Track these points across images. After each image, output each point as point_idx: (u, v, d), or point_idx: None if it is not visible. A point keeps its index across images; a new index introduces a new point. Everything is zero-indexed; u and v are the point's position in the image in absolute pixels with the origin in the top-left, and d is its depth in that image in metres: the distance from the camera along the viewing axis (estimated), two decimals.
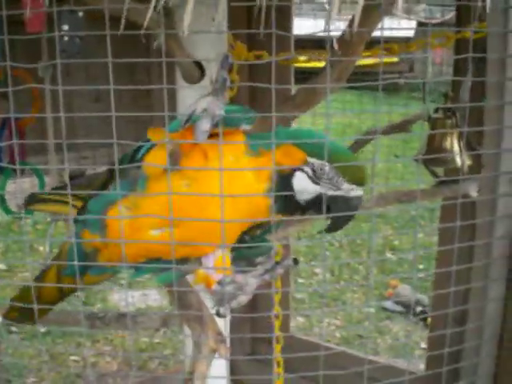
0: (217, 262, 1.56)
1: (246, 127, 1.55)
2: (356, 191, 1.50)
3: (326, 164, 1.49)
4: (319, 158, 1.49)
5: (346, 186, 1.49)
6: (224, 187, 1.43)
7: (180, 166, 1.49)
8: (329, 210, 1.50)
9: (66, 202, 1.68)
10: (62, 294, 1.85)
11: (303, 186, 1.51)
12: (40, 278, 1.87)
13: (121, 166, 1.50)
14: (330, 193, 1.50)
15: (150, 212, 1.48)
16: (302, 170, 1.51)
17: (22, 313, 1.88)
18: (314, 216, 1.60)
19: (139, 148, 1.57)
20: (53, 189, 1.99)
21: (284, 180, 1.51)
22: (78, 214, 1.68)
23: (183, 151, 1.50)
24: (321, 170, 1.49)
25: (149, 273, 1.65)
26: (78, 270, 1.61)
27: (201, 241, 1.49)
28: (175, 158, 1.49)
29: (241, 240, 1.60)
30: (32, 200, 1.83)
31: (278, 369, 3.08)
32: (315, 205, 1.50)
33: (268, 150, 1.51)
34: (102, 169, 1.76)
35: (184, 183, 1.49)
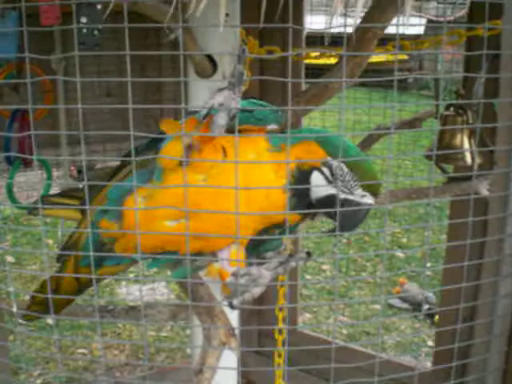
0: (231, 255, 1.57)
1: (274, 126, 1.56)
2: (368, 199, 1.51)
3: (344, 166, 1.50)
4: (339, 161, 1.50)
5: (359, 191, 1.50)
6: (242, 184, 1.44)
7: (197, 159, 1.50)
8: (336, 213, 1.50)
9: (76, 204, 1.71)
10: (81, 286, 1.85)
11: (319, 185, 1.52)
12: (59, 270, 1.88)
13: (138, 158, 1.52)
14: (343, 196, 1.51)
15: (166, 203, 1.49)
16: (320, 169, 1.52)
17: (43, 306, 1.88)
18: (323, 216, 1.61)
19: (156, 139, 1.58)
20: (63, 192, 2.00)
21: (302, 177, 1.53)
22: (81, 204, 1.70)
23: (201, 146, 1.50)
24: (339, 171, 1.51)
25: (164, 263, 1.66)
26: (95, 261, 1.61)
27: (216, 231, 1.49)
28: (191, 152, 1.50)
29: (257, 240, 1.61)
30: (42, 203, 1.83)
31: (279, 359, 3.09)
32: (326, 205, 1.51)
33: (290, 146, 1.53)
34: (111, 164, 1.78)
35: (201, 178, 1.50)
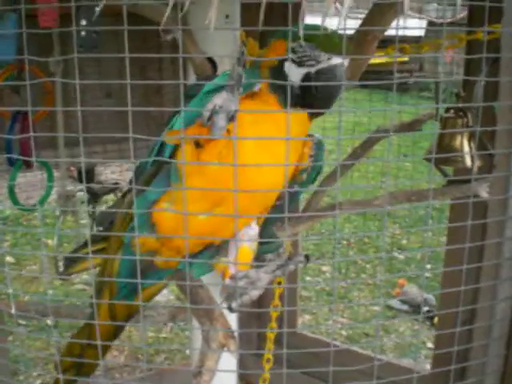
0: (240, 254, 1.58)
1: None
2: (335, 59, 1.51)
3: (302, 42, 1.50)
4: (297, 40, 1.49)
5: (324, 56, 1.51)
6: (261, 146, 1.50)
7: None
8: (317, 89, 1.52)
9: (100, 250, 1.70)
10: (117, 328, 1.84)
11: (292, 71, 1.53)
12: (89, 319, 1.87)
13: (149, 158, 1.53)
14: (314, 69, 1.52)
15: (192, 200, 1.49)
16: (285, 59, 1.51)
17: (76, 367, 1.89)
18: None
19: (161, 146, 1.58)
20: (85, 243, 1.95)
21: (277, 71, 1.54)
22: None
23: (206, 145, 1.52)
24: (299, 47, 1.51)
25: (206, 265, 1.67)
26: (135, 286, 1.59)
27: (245, 211, 1.52)
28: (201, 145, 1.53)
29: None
30: (71, 263, 1.83)
31: (268, 355, 3.07)
32: (308, 88, 1.52)
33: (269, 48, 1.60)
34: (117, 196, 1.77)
35: (215, 161, 1.52)
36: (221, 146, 1.51)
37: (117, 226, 1.71)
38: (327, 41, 1.50)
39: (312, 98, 1.54)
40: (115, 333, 1.86)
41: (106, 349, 1.91)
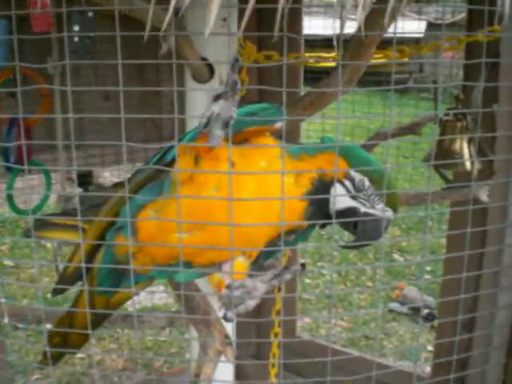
0: (235, 266, 1.56)
1: (280, 124, 1.54)
2: (388, 214, 1.50)
3: (366, 180, 1.50)
4: (362, 174, 1.50)
5: (380, 206, 1.49)
6: (260, 191, 1.46)
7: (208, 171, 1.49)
8: (355, 227, 1.51)
9: (75, 227, 1.66)
10: (99, 317, 1.85)
11: (340, 198, 1.51)
12: (73, 306, 1.88)
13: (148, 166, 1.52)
14: (364, 209, 1.50)
15: (175, 215, 1.47)
16: (342, 182, 1.51)
17: (63, 342, 1.91)
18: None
19: (165, 152, 1.57)
20: (62, 213, 1.97)
21: (322, 187, 1.51)
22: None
23: (206, 156, 1.50)
24: (361, 185, 1.50)
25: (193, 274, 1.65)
26: (113, 284, 1.65)
27: (229, 245, 1.47)
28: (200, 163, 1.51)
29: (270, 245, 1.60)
30: (40, 226, 1.81)
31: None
32: (345, 217, 1.49)
33: (311, 155, 1.53)
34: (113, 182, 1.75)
35: (211, 188, 1.49)
36: (217, 178, 1.49)
37: (101, 216, 1.69)
38: (391, 195, 1.49)
39: (342, 226, 1.55)
40: (97, 319, 1.86)
41: (86, 337, 1.94)
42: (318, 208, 1.52)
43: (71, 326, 1.84)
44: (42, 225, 1.81)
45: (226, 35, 2.11)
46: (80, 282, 1.78)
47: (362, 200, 1.50)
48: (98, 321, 1.86)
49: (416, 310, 5.28)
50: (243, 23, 1.15)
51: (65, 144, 3.32)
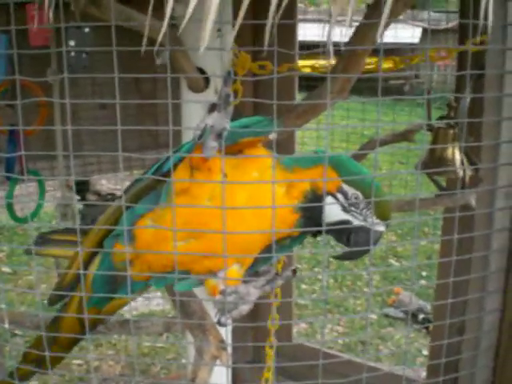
0: (229, 273, 1.59)
1: (274, 135, 1.56)
2: (380, 226, 1.53)
3: (359, 194, 1.52)
4: (354, 187, 1.52)
5: (372, 219, 1.51)
6: (251, 201, 1.49)
7: (201, 181, 1.52)
8: (348, 239, 1.53)
9: (75, 242, 1.67)
10: (84, 331, 1.78)
11: (332, 211, 1.52)
12: (57, 319, 1.87)
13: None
14: (356, 222, 1.53)
15: (171, 223, 1.49)
16: (334, 195, 1.53)
17: (38, 361, 1.89)
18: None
19: (163, 163, 1.60)
20: (63, 229, 1.97)
21: (315, 201, 1.53)
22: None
23: (200, 167, 1.52)
24: (354, 198, 1.52)
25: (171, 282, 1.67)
26: (108, 293, 1.67)
27: (219, 251, 1.49)
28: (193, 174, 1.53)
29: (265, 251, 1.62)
30: (41, 242, 1.83)
31: (268, 373, 3.05)
32: (336, 230, 1.52)
33: (304, 168, 1.55)
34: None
35: (205, 198, 1.52)
36: (210, 188, 1.52)
37: (98, 225, 1.71)
38: (382, 207, 1.51)
39: (335, 238, 1.57)
40: (81, 331, 1.84)
41: (71, 345, 1.93)
42: (311, 220, 1.54)
43: (53, 341, 1.81)
44: (43, 242, 1.83)
45: (221, 45, 2.14)
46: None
47: (354, 213, 1.53)
48: (83, 333, 1.78)
49: (411, 315, 5.31)
50: (235, 33, 1.18)
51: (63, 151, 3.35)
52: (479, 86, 2.10)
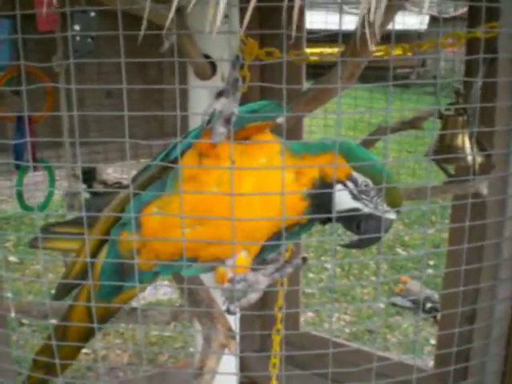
0: (238, 260, 1.57)
1: (282, 119, 1.53)
2: (391, 214, 1.51)
3: (370, 182, 1.50)
4: (364, 175, 1.50)
5: (383, 207, 1.50)
6: (259, 188, 1.47)
7: (210, 167, 1.50)
8: (358, 227, 1.52)
9: (81, 234, 1.63)
10: (93, 330, 1.79)
11: (342, 199, 1.51)
12: (67, 315, 1.85)
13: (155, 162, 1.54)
14: (367, 210, 1.51)
15: (178, 210, 1.48)
16: (345, 183, 1.51)
17: (47, 367, 1.87)
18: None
19: (171, 150, 1.58)
20: (68, 221, 1.95)
21: (324, 188, 1.51)
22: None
23: (208, 154, 1.51)
24: (364, 186, 1.50)
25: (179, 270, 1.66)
26: (116, 286, 1.65)
27: (228, 238, 1.48)
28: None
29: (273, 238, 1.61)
30: (47, 235, 1.80)
31: (275, 359, 3.04)
32: (346, 218, 1.50)
33: (313, 155, 1.54)
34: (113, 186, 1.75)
35: (213, 185, 1.50)
36: (218, 175, 1.50)
37: (104, 217, 1.70)
38: (393, 195, 1.50)
39: (345, 226, 1.55)
40: (91, 332, 1.83)
41: (79, 348, 1.94)
42: (320, 208, 1.53)
43: (63, 339, 1.79)
44: (48, 234, 1.81)
45: (228, 31, 2.12)
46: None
47: (365, 201, 1.51)
48: (93, 330, 1.80)
49: (419, 304, 5.30)
50: (245, 21, 1.16)
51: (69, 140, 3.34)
52: (492, 72, 2.07)
